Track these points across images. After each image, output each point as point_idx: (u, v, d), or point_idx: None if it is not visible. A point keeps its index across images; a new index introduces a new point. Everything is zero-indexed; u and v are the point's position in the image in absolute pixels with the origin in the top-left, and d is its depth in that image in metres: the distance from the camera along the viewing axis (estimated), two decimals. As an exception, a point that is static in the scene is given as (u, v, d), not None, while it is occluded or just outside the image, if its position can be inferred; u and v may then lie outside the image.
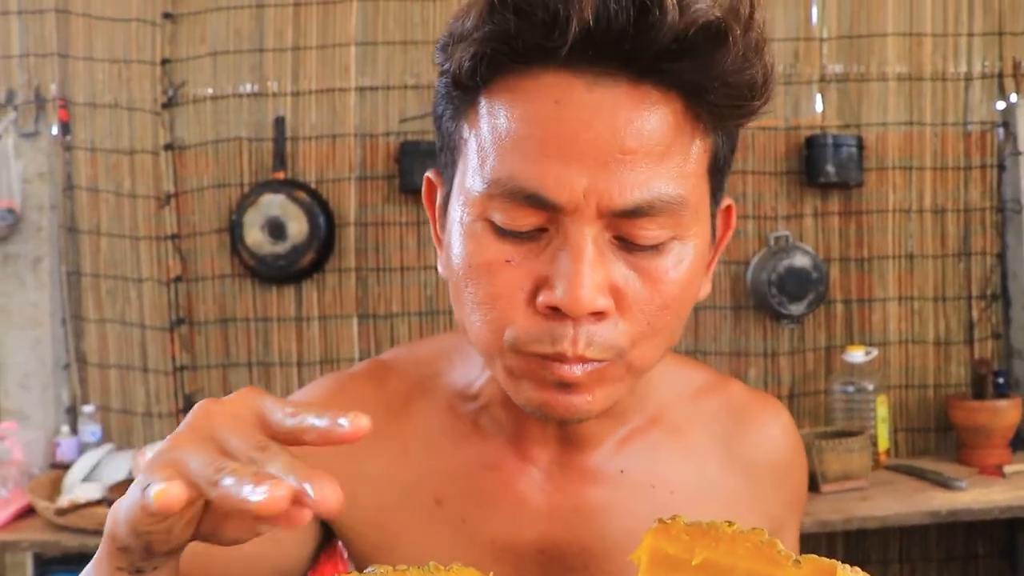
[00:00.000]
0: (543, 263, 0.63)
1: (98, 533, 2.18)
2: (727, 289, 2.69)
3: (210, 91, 2.64)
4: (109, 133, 2.64)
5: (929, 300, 2.71)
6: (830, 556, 2.83)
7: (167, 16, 2.62)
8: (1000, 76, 2.68)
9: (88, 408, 2.58)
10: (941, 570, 2.78)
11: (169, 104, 2.64)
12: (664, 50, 0.58)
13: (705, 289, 0.72)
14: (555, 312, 0.62)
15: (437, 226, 0.75)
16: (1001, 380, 2.63)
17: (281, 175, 2.61)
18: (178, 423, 2.64)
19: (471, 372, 0.80)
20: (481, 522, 0.77)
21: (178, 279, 2.65)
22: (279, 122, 2.62)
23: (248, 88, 2.64)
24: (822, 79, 2.68)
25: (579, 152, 0.60)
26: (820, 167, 2.58)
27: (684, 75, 0.60)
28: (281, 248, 2.59)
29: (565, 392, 0.64)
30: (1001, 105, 2.69)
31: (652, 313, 0.64)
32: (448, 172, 0.71)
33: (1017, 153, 2.64)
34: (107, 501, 2.26)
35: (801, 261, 2.57)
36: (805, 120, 2.67)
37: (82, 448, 2.55)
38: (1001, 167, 2.69)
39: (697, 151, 0.64)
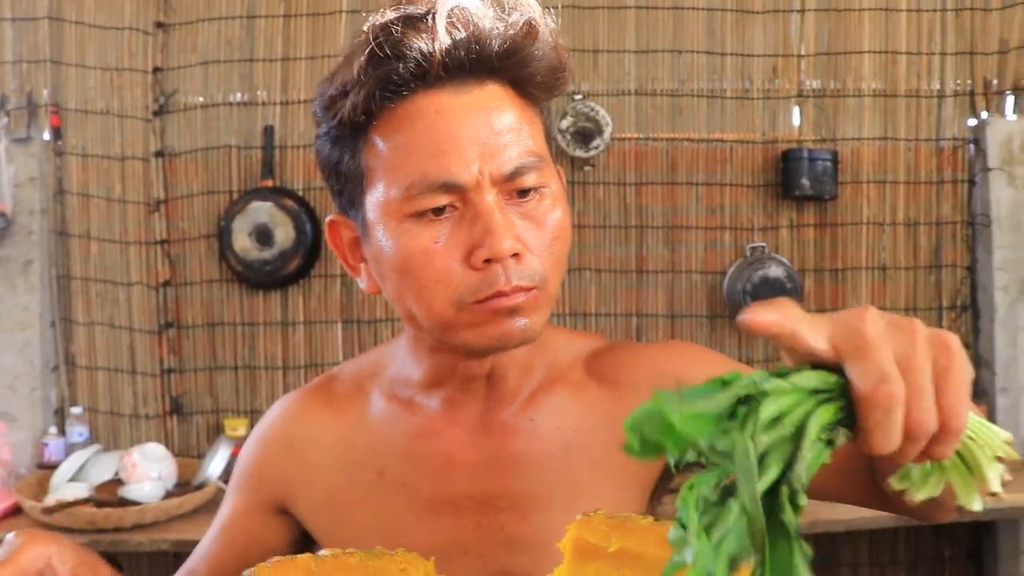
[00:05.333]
0: (464, 233, 0.80)
1: (84, 532, 2.23)
2: (703, 298, 2.76)
3: (200, 99, 2.69)
4: (100, 139, 2.69)
5: (901, 311, 2.78)
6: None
7: (159, 25, 2.67)
8: (971, 94, 2.75)
9: (76, 409, 2.63)
10: (910, 572, 2.85)
11: (160, 112, 2.68)
12: (498, 54, 0.80)
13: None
14: (487, 263, 0.79)
15: (349, 258, 0.91)
16: (970, 389, 2.71)
17: (269, 183, 2.66)
18: (165, 425, 2.69)
19: (405, 365, 0.95)
20: (419, 483, 0.92)
21: (167, 283, 2.70)
22: (268, 130, 2.67)
23: (238, 97, 2.69)
24: (799, 94, 2.75)
25: (467, 142, 0.79)
26: (796, 180, 2.65)
27: (513, 69, 0.82)
28: (268, 254, 2.64)
29: (514, 317, 0.81)
30: (972, 122, 2.76)
31: (549, 246, 0.82)
32: (357, 206, 0.86)
33: (987, 169, 2.71)
34: (93, 501, 2.31)
35: (776, 271, 2.64)
36: (782, 134, 2.74)
37: (70, 449, 2.59)
38: (972, 182, 2.77)
39: (535, 121, 0.85)
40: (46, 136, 2.67)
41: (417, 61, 0.79)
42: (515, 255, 0.80)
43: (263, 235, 2.64)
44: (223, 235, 2.65)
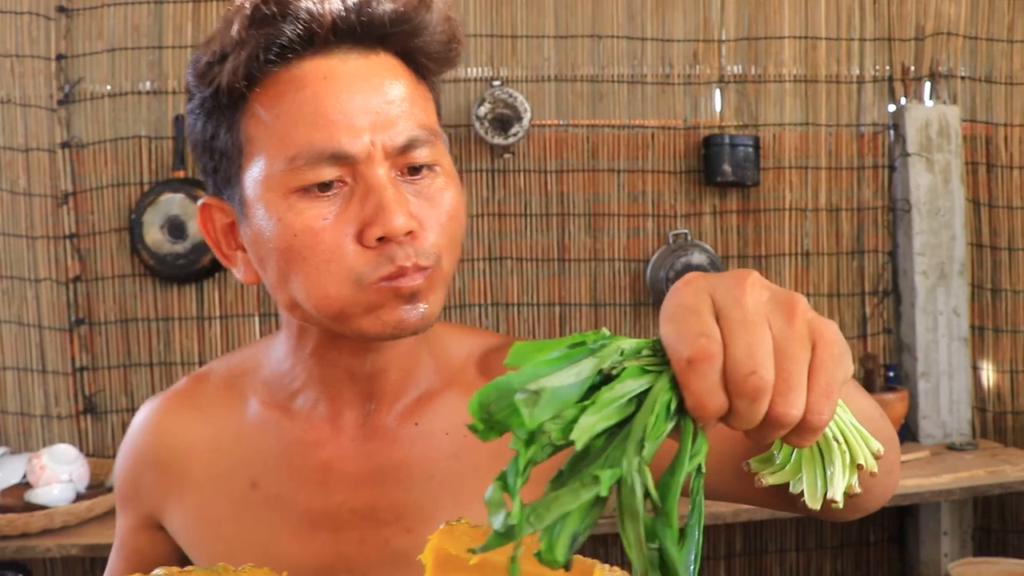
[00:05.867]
0: (355, 209, 0.74)
1: (-13, 538, 2.15)
2: (627, 286, 2.74)
3: (108, 88, 2.60)
4: (3, 130, 2.59)
5: (824, 296, 2.79)
6: (728, 548, 2.89)
7: (61, 10, 2.57)
8: (890, 80, 2.76)
9: (-17, 410, 2.55)
10: (835, 557, 2.87)
11: (65, 101, 2.59)
12: (389, 21, 0.76)
13: None
14: (382, 241, 0.74)
15: (223, 246, 0.84)
16: (892, 374, 2.72)
17: (181, 174, 2.59)
18: (78, 425, 2.62)
19: (282, 364, 0.88)
20: (295, 495, 0.85)
21: (77, 279, 2.62)
22: (179, 120, 2.59)
23: (147, 86, 2.61)
24: (721, 80, 2.73)
25: (358, 111, 0.74)
26: (718, 166, 2.63)
27: (405, 38, 0.77)
28: (181, 247, 2.57)
29: (412, 302, 0.75)
30: (892, 108, 2.76)
31: (445, 225, 0.77)
32: (233, 185, 0.79)
33: (906, 154, 2.72)
34: (-2, 506, 2.24)
35: (699, 258, 2.62)
36: (704, 120, 2.73)
37: (-23, 451, 2.51)
38: (892, 168, 2.78)
39: (428, 99, 0.81)
40: (-55, 127, 2.57)
41: (305, 22, 0.73)
42: (409, 233, 0.74)
43: (175, 228, 2.57)
44: (134, 228, 2.57)
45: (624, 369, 0.47)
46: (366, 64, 0.76)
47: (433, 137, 0.78)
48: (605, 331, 0.50)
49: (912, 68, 2.74)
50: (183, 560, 0.93)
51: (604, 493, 0.44)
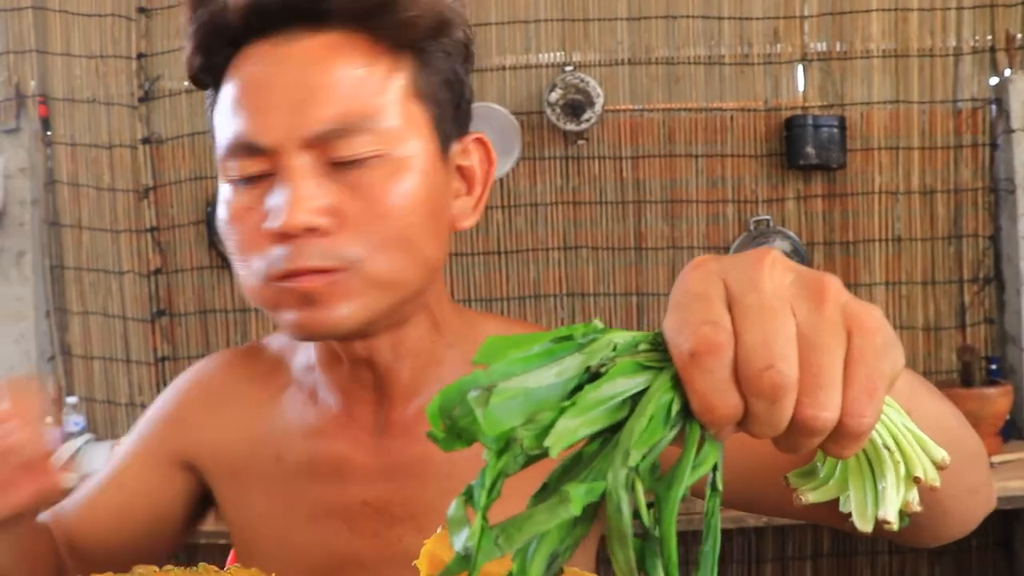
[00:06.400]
0: (270, 201, 0.71)
1: (69, 523, 2.22)
2: (706, 275, 2.64)
3: (185, 84, 2.65)
4: (88, 128, 2.67)
5: (918, 284, 2.63)
6: (815, 548, 2.73)
7: (141, 11, 2.64)
8: (992, 50, 2.57)
9: (71, 399, 2.63)
10: (932, 561, 2.71)
11: (145, 98, 2.66)
12: None
13: (471, 219, 0.80)
14: (280, 236, 0.70)
15: None
16: (994, 366, 2.55)
17: (255, 167, 2.62)
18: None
19: (309, 349, 0.86)
20: (310, 478, 0.83)
21: (158, 271, 2.68)
22: (253, 114, 2.62)
23: (222, 80, 2.65)
24: (803, 58, 2.60)
25: (275, 99, 0.70)
26: (801, 149, 2.51)
27: (347, 7, 0.71)
28: (256, 239, 2.60)
29: (310, 307, 0.71)
30: (994, 80, 2.58)
31: (375, 223, 0.71)
32: None
33: (1010, 131, 2.53)
34: (78, 491, 2.30)
35: (781, 246, 2.51)
36: (786, 101, 2.60)
37: (66, 439, 2.59)
38: (994, 145, 2.59)
39: (389, 75, 0.73)
40: (35, 127, 2.66)
41: (237, 9, 0.71)
42: (314, 230, 0.69)
43: (251, 220, 2.60)
44: (211, 221, 2.62)
45: (615, 366, 0.39)
46: (300, 45, 0.71)
47: (372, 125, 0.71)
48: (598, 322, 0.41)
49: (1019, 36, 2.54)
50: (180, 513, 0.90)
51: (576, 512, 0.37)
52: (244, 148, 0.71)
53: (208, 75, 0.75)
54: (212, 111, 0.77)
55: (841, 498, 0.47)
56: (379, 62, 0.73)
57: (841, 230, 2.62)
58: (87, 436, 2.56)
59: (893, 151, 2.60)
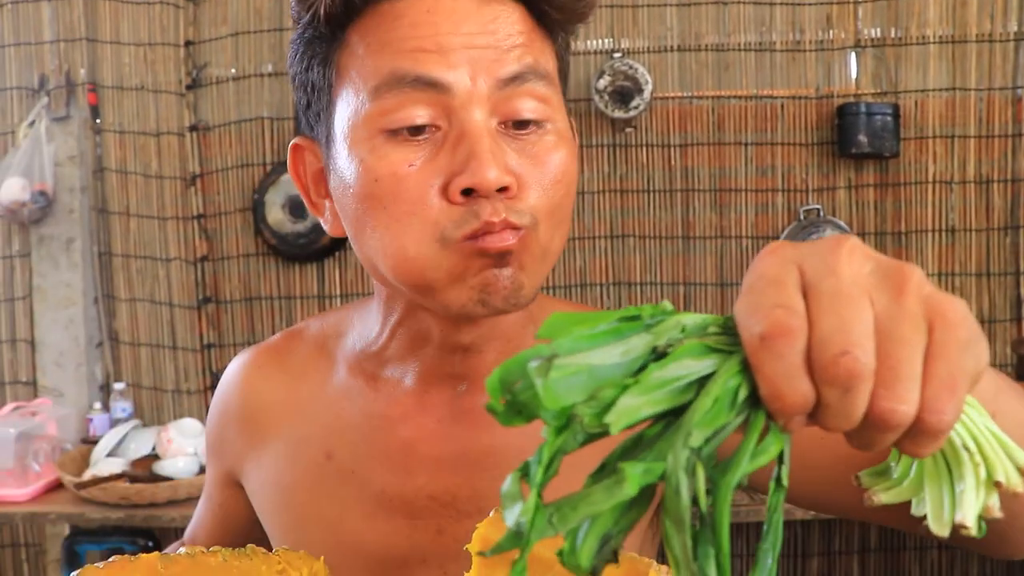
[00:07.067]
0: (445, 157, 0.66)
1: (119, 506, 2.24)
2: (755, 265, 2.60)
3: (232, 72, 2.66)
4: (136, 115, 2.69)
5: (972, 276, 2.58)
6: (862, 543, 2.69)
7: (189, -2, 2.64)
8: (1052, 36, 2.52)
9: (119, 385, 2.65)
10: (984, 557, 2.66)
11: (193, 85, 2.66)
12: None
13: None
14: (470, 195, 0.66)
15: (312, 193, 0.77)
16: (1050, 360, 2.49)
17: (302, 154, 2.62)
18: (205, 400, 2.70)
19: (372, 329, 0.81)
20: (369, 472, 0.78)
21: (204, 258, 2.69)
22: (299, 101, 2.62)
23: (269, 68, 2.65)
24: (856, 44, 2.55)
25: (458, 45, 0.66)
26: (853, 137, 2.47)
27: None
28: (302, 226, 2.60)
29: (501, 265, 0.67)
30: (1053, 67, 2.52)
31: (548, 188, 0.68)
32: (323, 123, 0.73)
33: (1070, 119, 2.48)
34: (128, 476, 2.32)
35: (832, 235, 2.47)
36: (838, 88, 2.56)
37: (114, 424, 2.61)
38: (1053, 134, 2.54)
39: (548, 53, 0.71)
40: (84, 114, 2.68)
41: None
42: (504, 189, 0.65)
43: (297, 207, 2.60)
44: (257, 208, 2.62)
45: (682, 347, 0.38)
46: (477, 3, 0.68)
47: (548, 80, 0.69)
48: (667, 304, 0.40)
49: (1077, 23, 2.49)
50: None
51: (632, 491, 0.36)
52: (415, 81, 0.66)
53: (344, 12, 0.69)
54: (299, 44, 0.73)
55: (915, 500, 0.45)
56: (538, 32, 0.71)
57: (893, 220, 2.58)
58: (134, 422, 2.57)
59: (948, 139, 2.55)
